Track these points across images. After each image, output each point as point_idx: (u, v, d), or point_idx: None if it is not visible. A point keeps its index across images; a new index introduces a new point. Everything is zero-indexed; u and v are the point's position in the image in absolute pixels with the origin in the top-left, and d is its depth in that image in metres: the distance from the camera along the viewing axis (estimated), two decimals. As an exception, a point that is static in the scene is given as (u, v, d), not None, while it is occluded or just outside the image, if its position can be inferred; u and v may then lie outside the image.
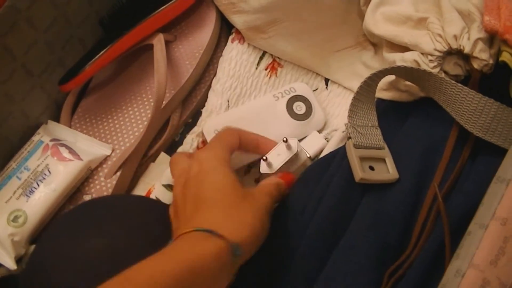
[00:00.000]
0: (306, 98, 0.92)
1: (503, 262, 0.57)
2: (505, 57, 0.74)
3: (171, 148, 0.93)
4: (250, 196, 0.72)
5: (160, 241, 0.71)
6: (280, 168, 0.83)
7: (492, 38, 0.77)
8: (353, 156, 0.78)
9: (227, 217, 0.69)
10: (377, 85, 0.82)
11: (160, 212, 0.80)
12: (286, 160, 0.84)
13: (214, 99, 0.92)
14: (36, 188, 0.85)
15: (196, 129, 0.91)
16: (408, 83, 0.82)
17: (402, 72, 0.79)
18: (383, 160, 0.80)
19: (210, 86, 0.95)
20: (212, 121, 0.89)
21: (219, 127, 0.87)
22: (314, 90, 0.96)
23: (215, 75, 0.94)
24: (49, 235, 0.79)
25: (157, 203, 0.84)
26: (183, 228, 0.68)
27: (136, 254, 0.65)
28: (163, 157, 0.91)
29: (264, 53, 0.96)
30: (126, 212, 0.79)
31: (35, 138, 0.89)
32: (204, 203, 0.70)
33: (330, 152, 0.86)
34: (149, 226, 0.78)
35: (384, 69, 0.78)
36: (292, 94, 0.92)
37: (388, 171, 0.79)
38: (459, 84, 0.76)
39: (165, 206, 0.82)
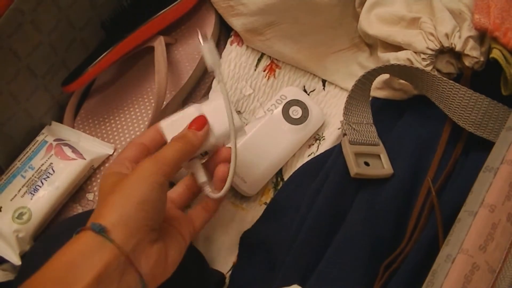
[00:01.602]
0: (300, 101, 0.93)
1: (492, 247, 0.59)
2: (495, 54, 0.76)
3: (172, 148, 0.94)
4: (126, 179, 0.67)
5: None
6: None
7: (482, 36, 0.79)
8: (348, 152, 0.79)
9: (99, 208, 0.66)
10: (371, 84, 0.83)
11: None
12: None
13: (216, 100, 0.93)
14: (40, 186, 0.87)
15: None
16: (402, 81, 0.84)
17: (395, 70, 0.81)
18: (378, 156, 0.81)
19: (209, 88, 0.97)
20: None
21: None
22: (311, 91, 0.97)
23: (214, 76, 0.95)
24: (43, 241, 0.81)
25: None
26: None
27: None
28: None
29: (262, 55, 0.98)
30: None
31: (39, 138, 0.91)
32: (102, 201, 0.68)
33: (327, 150, 0.87)
34: None
35: (378, 67, 0.80)
36: (285, 101, 0.93)
37: (383, 166, 0.80)
38: (451, 81, 0.77)
39: None
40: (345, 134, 0.81)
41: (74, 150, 0.90)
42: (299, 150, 0.92)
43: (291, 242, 0.79)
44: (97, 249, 0.61)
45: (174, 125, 0.75)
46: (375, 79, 0.83)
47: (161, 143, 0.76)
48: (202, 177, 0.75)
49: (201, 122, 0.74)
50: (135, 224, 0.64)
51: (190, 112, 0.76)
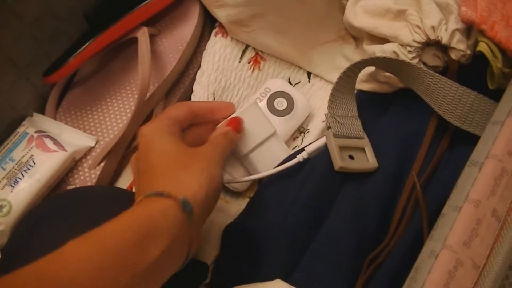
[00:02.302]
0: (284, 92, 0.92)
1: (476, 243, 0.58)
2: (482, 47, 0.75)
3: (155, 140, 0.94)
4: (196, 153, 0.72)
5: None
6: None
7: (469, 29, 0.78)
8: (333, 145, 0.79)
9: (175, 177, 0.68)
10: (357, 76, 0.83)
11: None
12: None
13: (201, 92, 0.92)
14: (20, 179, 0.86)
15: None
16: (387, 74, 0.83)
17: (381, 63, 0.80)
18: (363, 150, 0.81)
19: (193, 79, 0.96)
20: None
21: None
22: (296, 84, 0.96)
23: (198, 68, 0.95)
24: (26, 223, 0.79)
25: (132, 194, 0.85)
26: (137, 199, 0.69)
27: None
28: (147, 148, 0.92)
29: (247, 46, 0.97)
30: (97, 202, 0.79)
31: (20, 129, 0.90)
32: (153, 171, 0.70)
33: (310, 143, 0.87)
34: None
35: (363, 60, 0.79)
36: (269, 93, 0.92)
37: (367, 160, 0.80)
38: (437, 74, 0.77)
39: None
40: (329, 127, 0.80)
41: (55, 142, 0.89)
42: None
43: (274, 236, 0.78)
44: (175, 225, 0.63)
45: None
46: (360, 72, 0.83)
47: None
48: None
49: (239, 125, 0.82)
50: (208, 207, 0.70)
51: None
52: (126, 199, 0.79)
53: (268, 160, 0.85)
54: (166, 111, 0.78)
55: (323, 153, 0.80)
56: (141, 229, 0.60)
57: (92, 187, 0.89)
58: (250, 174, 0.86)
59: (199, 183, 0.68)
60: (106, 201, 0.80)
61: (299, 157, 0.82)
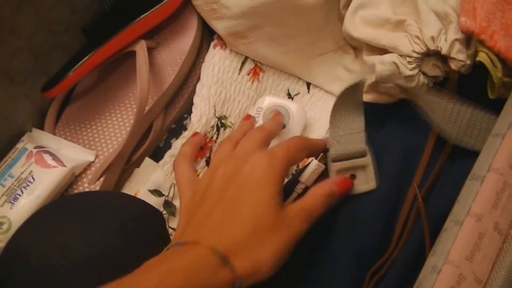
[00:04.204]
0: (275, 105, 0.92)
1: (479, 258, 0.58)
2: (481, 57, 0.75)
3: (155, 154, 0.94)
4: (284, 223, 0.66)
5: (134, 237, 0.73)
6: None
7: (469, 39, 0.78)
8: (332, 170, 0.78)
9: (249, 244, 0.63)
10: (361, 90, 0.82)
11: (139, 210, 0.80)
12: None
13: (202, 104, 0.92)
14: (20, 195, 0.85)
15: (186, 134, 0.90)
16: (388, 85, 0.83)
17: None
18: (364, 168, 0.80)
19: (192, 92, 0.95)
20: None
21: None
22: (296, 95, 0.96)
23: (197, 80, 0.95)
24: (28, 224, 0.79)
25: (138, 201, 0.84)
26: (195, 231, 0.65)
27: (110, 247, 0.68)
28: (147, 162, 0.92)
29: (246, 58, 0.97)
30: (104, 207, 0.78)
31: (19, 145, 0.90)
32: (234, 216, 0.65)
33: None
34: (125, 222, 0.77)
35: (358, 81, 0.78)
36: (261, 112, 0.92)
37: (367, 180, 0.79)
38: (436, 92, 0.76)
39: (147, 205, 0.82)
40: (327, 150, 0.79)
41: (54, 157, 0.88)
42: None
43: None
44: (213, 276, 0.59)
45: None
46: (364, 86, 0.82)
47: None
48: None
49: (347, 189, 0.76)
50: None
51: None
52: (133, 205, 0.79)
53: None
54: (290, 149, 0.72)
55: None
56: None
57: (98, 191, 0.89)
58: None
59: (265, 268, 0.63)
60: (113, 205, 0.79)
61: (298, 190, 0.79)
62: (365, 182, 0.78)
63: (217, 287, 0.59)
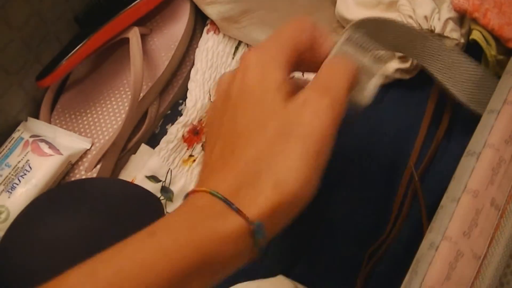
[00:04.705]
0: None
1: (476, 233, 0.58)
2: (475, 35, 0.75)
3: (151, 140, 0.94)
4: (298, 116, 0.51)
5: (133, 223, 0.71)
6: None
7: (462, 17, 0.78)
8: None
9: (256, 169, 0.49)
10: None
11: (137, 196, 0.80)
12: None
13: (197, 90, 0.92)
14: (17, 184, 0.85)
15: (182, 119, 0.91)
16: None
17: (390, 28, 0.73)
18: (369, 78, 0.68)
19: (187, 78, 0.96)
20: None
21: None
22: (290, 78, 0.96)
23: (191, 66, 0.95)
24: (22, 216, 0.80)
25: (136, 187, 0.85)
26: (201, 182, 0.52)
27: (109, 234, 0.65)
28: (144, 148, 0.92)
29: (240, 43, 0.97)
30: (101, 194, 0.79)
31: (15, 135, 0.90)
32: (238, 139, 0.52)
33: None
34: (123, 208, 0.77)
35: (369, 19, 0.68)
36: None
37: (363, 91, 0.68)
38: (465, 54, 0.72)
39: (144, 190, 0.83)
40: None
41: (51, 146, 0.89)
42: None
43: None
44: (237, 258, 0.49)
45: None
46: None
47: None
48: None
49: None
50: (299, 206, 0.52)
51: None
52: (130, 191, 0.79)
53: None
54: (282, 31, 0.58)
55: None
56: (188, 260, 0.45)
57: (95, 179, 0.89)
58: None
59: (290, 188, 0.49)
60: (110, 193, 0.80)
61: None
62: (361, 91, 0.67)
63: (230, 240, 0.47)
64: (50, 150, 0.88)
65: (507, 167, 0.60)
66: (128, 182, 0.87)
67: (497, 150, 0.60)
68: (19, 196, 0.85)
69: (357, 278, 0.75)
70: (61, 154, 0.88)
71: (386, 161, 0.79)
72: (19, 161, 0.87)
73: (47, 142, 0.89)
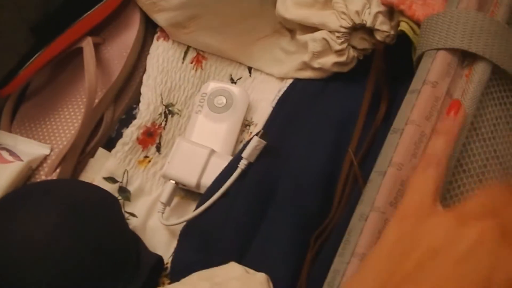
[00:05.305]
0: (219, 89, 0.96)
1: (401, 203, 0.62)
2: (403, 26, 0.79)
3: (108, 144, 0.97)
4: None
5: (93, 221, 0.75)
6: None
7: (392, 11, 0.83)
8: None
9: None
10: None
11: (96, 196, 0.84)
12: None
13: (149, 93, 0.96)
14: (-21, 191, 0.88)
15: (136, 122, 0.94)
16: (320, 60, 0.87)
17: None
18: None
19: (140, 83, 0.99)
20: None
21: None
22: (238, 79, 1.00)
23: (144, 72, 0.99)
24: None
25: (95, 187, 0.89)
26: None
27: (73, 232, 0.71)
28: (101, 152, 0.95)
29: (189, 47, 1.01)
30: (64, 194, 0.82)
31: (-24, 145, 0.93)
32: None
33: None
34: (84, 207, 0.80)
35: None
36: (206, 97, 0.96)
37: None
38: None
39: (103, 190, 0.87)
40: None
41: (11, 153, 0.91)
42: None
43: (223, 224, 0.83)
44: None
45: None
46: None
47: None
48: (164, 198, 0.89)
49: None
50: None
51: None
52: (90, 191, 0.84)
53: None
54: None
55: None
56: None
57: (55, 180, 0.92)
58: None
59: None
60: (69, 191, 0.83)
61: (241, 166, 0.85)
62: None
63: None
64: (11, 157, 0.90)
65: (428, 141, 0.64)
66: (86, 182, 0.91)
67: (418, 125, 0.64)
68: (-18, 202, 0.87)
69: (305, 260, 0.78)
70: (22, 160, 0.90)
71: (325, 151, 0.83)
72: (-19, 170, 0.90)
73: (8, 150, 0.91)
